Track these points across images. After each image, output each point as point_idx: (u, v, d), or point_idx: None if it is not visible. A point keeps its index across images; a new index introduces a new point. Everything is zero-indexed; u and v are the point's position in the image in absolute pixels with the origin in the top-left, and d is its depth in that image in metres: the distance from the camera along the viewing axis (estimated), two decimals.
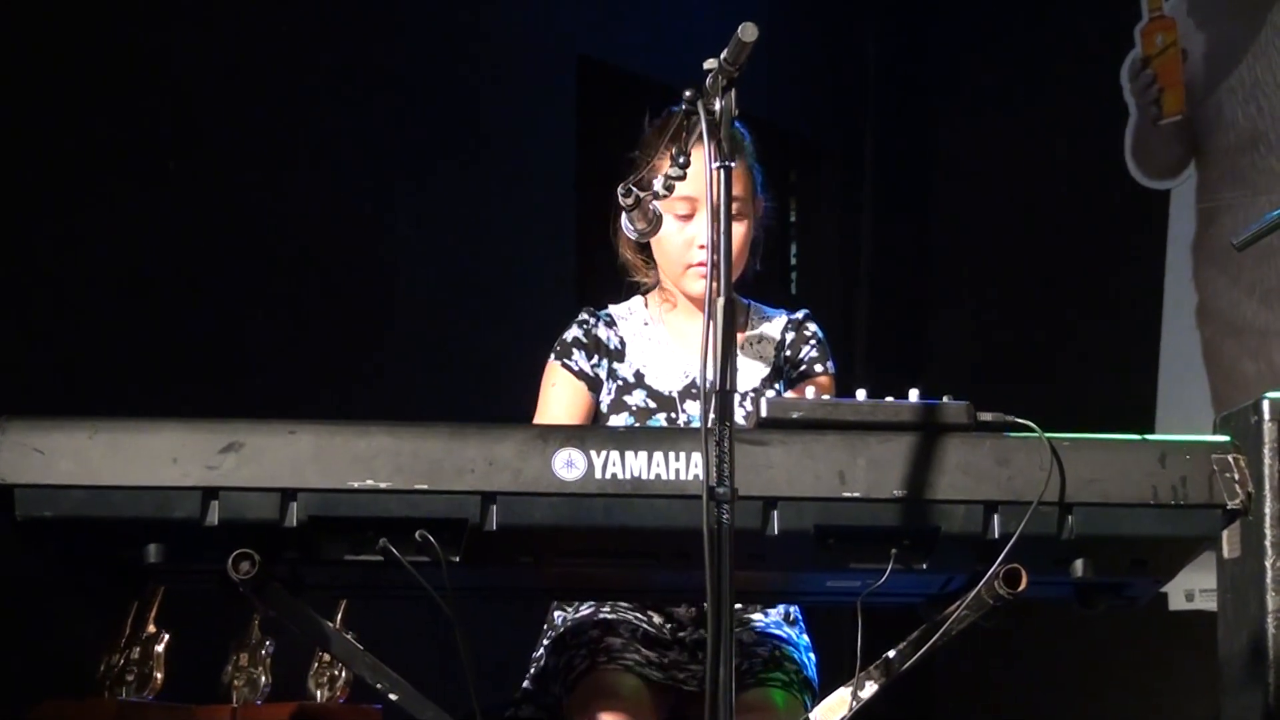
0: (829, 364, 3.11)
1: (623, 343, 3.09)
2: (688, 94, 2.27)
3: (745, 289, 3.12)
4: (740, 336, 3.08)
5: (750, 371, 3.06)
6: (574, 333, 3.08)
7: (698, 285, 3.03)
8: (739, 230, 2.98)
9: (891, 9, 6.58)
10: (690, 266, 3.02)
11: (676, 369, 3.06)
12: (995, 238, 6.48)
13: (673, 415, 3.01)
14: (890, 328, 6.47)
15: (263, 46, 4.54)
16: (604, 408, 3.04)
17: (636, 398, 3.03)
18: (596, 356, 3.06)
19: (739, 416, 2.91)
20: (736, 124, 2.44)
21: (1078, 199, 6.26)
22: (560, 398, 3.03)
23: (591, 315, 3.11)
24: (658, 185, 2.62)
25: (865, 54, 6.46)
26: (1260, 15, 5.90)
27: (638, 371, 3.06)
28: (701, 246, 2.97)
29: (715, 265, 2.20)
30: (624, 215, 2.83)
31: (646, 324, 3.12)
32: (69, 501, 2.27)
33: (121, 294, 4.17)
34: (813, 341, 3.11)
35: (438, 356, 4.87)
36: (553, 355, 3.07)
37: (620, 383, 3.05)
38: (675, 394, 3.04)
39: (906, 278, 6.62)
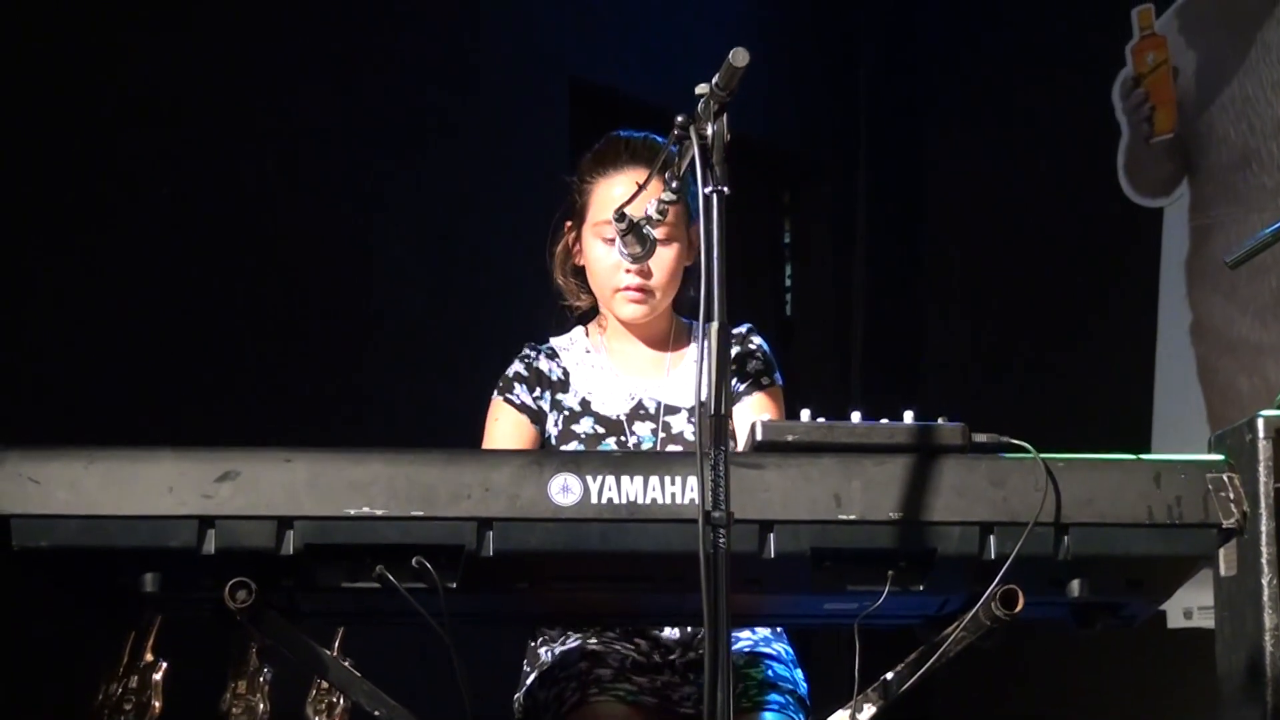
0: (775, 375, 3.10)
1: (566, 374, 3.08)
2: (679, 119, 2.28)
3: (685, 309, 3.11)
4: (684, 354, 3.08)
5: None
6: (516, 368, 3.08)
7: (626, 309, 3.03)
8: (667, 253, 2.99)
9: (884, 29, 6.60)
10: (618, 290, 3.02)
11: (621, 393, 3.05)
12: (989, 258, 6.48)
13: (622, 439, 3.00)
14: (885, 348, 6.47)
15: (248, 74, 4.54)
16: (553, 439, 3.02)
17: (584, 425, 3.02)
18: (539, 389, 3.05)
19: (687, 431, 2.93)
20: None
21: (1071, 218, 6.26)
22: (505, 432, 3.02)
23: (533, 349, 3.11)
24: (651, 210, 2.63)
25: (858, 74, 6.47)
26: (1250, 32, 5.90)
27: (583, 399, 3.05)
28: (628, 270, 2.97)
29: (709, 290, 2.19)
30: (618, 240, 2.84)
31: (588, 352, 3.11)
32: (65, 531, 2.27)
33: (115, 322, 4.16)
34: (758, 355, 3.10)
35: (430, 380, 4.86)
36: (496, 391, 3.07)
37: (567, 413, 3.04)
38: (622, 417, 3.03)
39: (901, 298, 6.62)
